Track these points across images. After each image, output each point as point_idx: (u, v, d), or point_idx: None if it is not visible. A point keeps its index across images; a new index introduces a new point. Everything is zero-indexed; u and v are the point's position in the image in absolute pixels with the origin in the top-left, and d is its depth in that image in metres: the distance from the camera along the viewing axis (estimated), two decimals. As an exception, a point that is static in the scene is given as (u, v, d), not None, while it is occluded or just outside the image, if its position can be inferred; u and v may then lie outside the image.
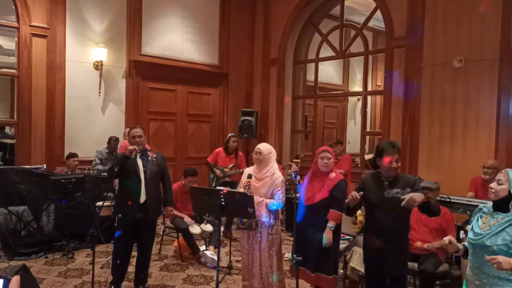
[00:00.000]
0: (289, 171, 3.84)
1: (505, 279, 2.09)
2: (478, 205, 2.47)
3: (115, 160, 3.93)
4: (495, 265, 1.99)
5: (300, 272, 3.49)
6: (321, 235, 3.41)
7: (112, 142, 6.28)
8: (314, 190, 3.49)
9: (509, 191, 2.18)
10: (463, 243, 2.40)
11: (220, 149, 6.40)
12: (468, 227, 2.44)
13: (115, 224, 4.04)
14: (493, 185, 2.25)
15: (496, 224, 2.17)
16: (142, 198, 3.87)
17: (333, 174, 3.51)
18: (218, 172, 6.14)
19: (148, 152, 4.02)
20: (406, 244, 3.14)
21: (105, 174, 5.34)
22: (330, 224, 3.41)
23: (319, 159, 3.55)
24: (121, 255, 3.93)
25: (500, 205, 2.22)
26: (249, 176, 3.75)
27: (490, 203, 2.32)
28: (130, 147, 3.78)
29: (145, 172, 3.90)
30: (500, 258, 1.98)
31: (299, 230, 3.54)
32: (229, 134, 6.70)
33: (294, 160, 4.05)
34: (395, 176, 3.02)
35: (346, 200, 3.07)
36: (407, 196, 2.74)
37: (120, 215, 3.89)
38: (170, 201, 4.26)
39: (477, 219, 2.31)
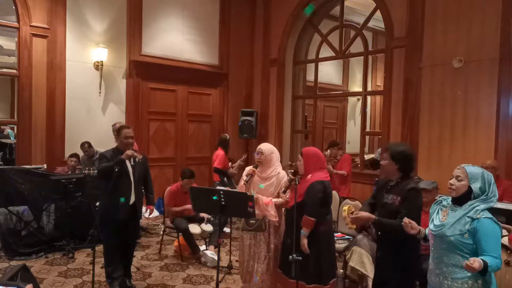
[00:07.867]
0: None
1: (462, 267, 2.18)
2: None
3: (108, 162, 3.83)
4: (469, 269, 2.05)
5: (280, 278, 3.46)
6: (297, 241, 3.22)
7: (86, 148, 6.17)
8: (294, 194, 3.31)
9: (469, 186, 2.29)
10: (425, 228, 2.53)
11: (223, 152, 6.34)
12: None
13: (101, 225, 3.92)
14: (452, 181, 2.32)
15: (454, 216, 2.30)
16: (132, 199, 3.95)
17: (309, 176, 3.37)
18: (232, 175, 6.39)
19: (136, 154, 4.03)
20: (406, 251, 2.86)
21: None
22: (303, 231, 3.28)
23: None
24: (115, 254, 3.97)
25: (459, 200, 2.33)
26: (255, 166, 3.73)
27: (449, 198, 2.43)
28: (128, 152, 3.83)
29: (133, 174, 3.96)
30: (477, 264, 2.02)
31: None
32: (226, 135, 6.69)
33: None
34: (400, 181, 2.88)
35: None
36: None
37: (109, 216, 3.85)
38: (152, 200, 4.34)
39: (437, 212, 2.43)
